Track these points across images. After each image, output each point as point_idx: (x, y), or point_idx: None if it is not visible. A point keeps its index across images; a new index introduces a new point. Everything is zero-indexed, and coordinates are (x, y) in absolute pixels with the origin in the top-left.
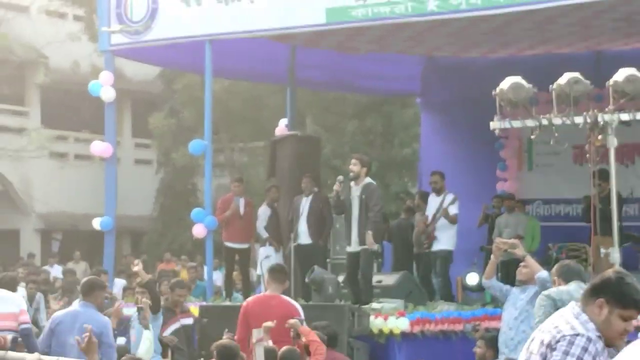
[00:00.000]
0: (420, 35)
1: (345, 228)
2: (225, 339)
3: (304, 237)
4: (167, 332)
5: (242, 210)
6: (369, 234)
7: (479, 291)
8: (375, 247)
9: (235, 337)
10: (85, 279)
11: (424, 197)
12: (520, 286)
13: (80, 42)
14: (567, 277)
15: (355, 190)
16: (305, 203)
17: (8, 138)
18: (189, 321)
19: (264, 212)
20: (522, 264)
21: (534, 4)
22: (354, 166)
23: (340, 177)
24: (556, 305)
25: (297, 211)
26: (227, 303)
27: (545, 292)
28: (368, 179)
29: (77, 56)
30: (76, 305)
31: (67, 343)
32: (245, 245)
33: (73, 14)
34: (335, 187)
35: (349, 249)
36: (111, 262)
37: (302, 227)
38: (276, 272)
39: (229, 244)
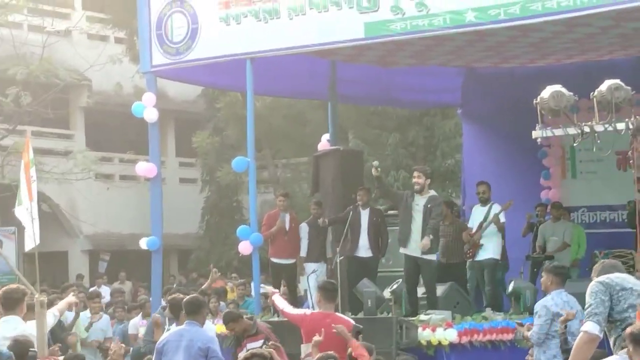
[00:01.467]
0: (460, 50)
1: (402, 232)
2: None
3: (364, 250)
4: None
5: (287, 225)
6: (428, 238)
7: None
8: (431, 257)
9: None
10: (188, 299)
11: (451, 206)
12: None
13: (122, 64)
14: (607, 272)
15: (420, 200)
16: (364, 216)
17: (54, 161)
18: (256, 344)
19: (302, 229)
20: (542, 273)
21: (570, 12)
22: (419, 179)
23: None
24: (611, 289)
25: (356, 224)
26: (275, 319)
27: (599, 279)
28: (432, 191)
29: (119, 78)
30: (183, 325)
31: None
32: (291, 261)
33: (114, 37)
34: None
35: (406, 251)
36: (159, 281)
37: (363, 240)
38: (327, 291)
39: (275, 260)
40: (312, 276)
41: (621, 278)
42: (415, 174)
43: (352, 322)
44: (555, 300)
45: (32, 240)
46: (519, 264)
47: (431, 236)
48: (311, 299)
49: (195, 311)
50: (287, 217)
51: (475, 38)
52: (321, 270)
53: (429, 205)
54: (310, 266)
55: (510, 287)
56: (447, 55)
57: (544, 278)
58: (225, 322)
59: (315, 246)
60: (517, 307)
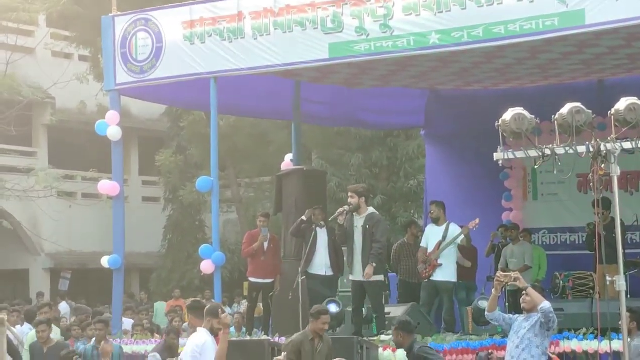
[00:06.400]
0: (423, 75)
1: (348, 257)
2: None
3: (325, 269)
4: None
5: (266, 245)
6: (371, 266)
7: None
8: (377, 278)
9: None
10: None
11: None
12: (525, 315)
13: (86, 82)
14: None
15: (358, 220)
16: (322, 235)
17: (16, 178)
18: None
19: None
20: (524, 292)
21: (533, 35)
22: (352, 199)
23: (346, 207)
24: None
25: (314, 242)
26: (248, 338)
27: None
28: (371, 209)
29: (83, 96)
30: None
31: None
32: (269, 280)
33: (79, 54)
34: (340, 219)
35: (353, 277)
36: (120, 300)
37: (324, 259)
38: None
39: (253, 279)
40: None
41: None
42: (349, 194)
43: None
44: None
45: None
46: (480, 284)
47: (374, 264)
48: None
49: None
50: (267, 238)
51: (439, 64)
52: None
53: (367, 226)
54: None
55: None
56: (411, 78)
57: (534, 297)
58: None
59: None
60: (478, 329)
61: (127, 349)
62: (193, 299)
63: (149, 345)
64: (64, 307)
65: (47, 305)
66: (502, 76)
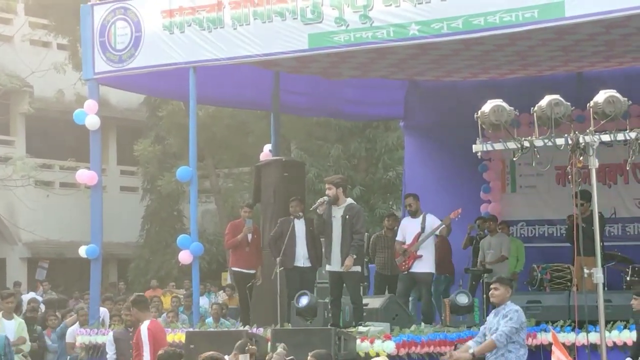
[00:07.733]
0: (403, 63)
1: (326, 248)
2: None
3: (303, 260)
4: None
5: (249, 237)
6: (351, 258)
7: (468, 313)
8: (355, 269)
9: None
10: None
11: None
12: (494, 310)
13: (64, 71)
14: None
15: (337, 211)
16: (299, 226)
17: None
18: None
19: None
20: (492, 286)
21: (512, 27)
22: (329, 190)
23: (325, 198)
24: None
25: (292, 234)
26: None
27: None
28: (349, 200)
29: (61, 85)
30: None
31: None
32: (252, 271)
33: (57, 43)
34: (320, 209)
35: (330, 268)
36: (97, 289)
37: (302, 250)
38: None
39: (236, 269)
40: None
41: None
42: (326, 185)
43: None
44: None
45: None
46: (457, 277)
47: (354, 255)
48: None
49: None
50: (252, 229)
51: (419, 52)
52: None
53: (347, 216)
54: None
55: (465, 300)
56: (390, 67)
57: (502, 290)
58: None
59: None
60: (455, 321)
61: (104, 338)
62: (137, 293)
63: None
64: (28, 297)
65: (12, 295)
66: (481, 64)
